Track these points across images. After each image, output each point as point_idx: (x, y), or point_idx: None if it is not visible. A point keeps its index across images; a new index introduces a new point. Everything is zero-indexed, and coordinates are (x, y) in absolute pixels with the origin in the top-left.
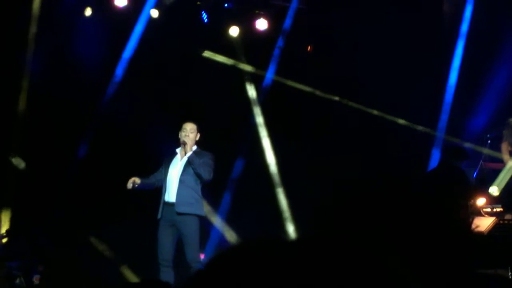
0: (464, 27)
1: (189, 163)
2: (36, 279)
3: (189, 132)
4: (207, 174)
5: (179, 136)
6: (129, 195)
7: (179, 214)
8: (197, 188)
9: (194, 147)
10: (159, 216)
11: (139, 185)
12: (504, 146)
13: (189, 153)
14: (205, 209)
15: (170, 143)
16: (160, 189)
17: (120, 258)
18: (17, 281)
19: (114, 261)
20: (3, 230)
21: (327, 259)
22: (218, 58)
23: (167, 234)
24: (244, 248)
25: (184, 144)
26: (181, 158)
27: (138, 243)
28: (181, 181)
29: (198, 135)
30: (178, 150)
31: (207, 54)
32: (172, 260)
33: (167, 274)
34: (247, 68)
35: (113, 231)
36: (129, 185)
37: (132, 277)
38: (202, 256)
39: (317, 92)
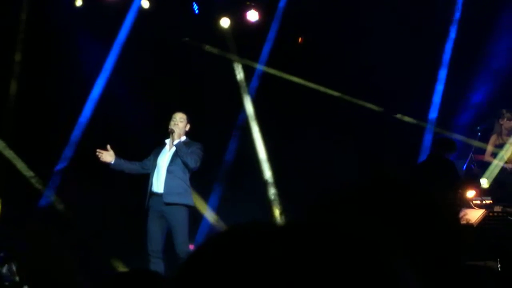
0: (456, 17)
1: (176, 152)
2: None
3: (178, 121)
4: (193, 163)
5: (169, 126)
6: (119, 186)
7: (167, 204)
8: (185, 178)
9: (184, 138)
10: (146, 206)
11: (116, 163)
12: (493, 138)
13: (176, 141)
14: (195, 200)
15: (160, 134)
16: (147, 179)
17: (109, 249)
18: (4, 270)
19: (103, 251)
20: None
21: (318, 244)
22: (209, 49)
23: (156, 225)
24: (232, 234)
25: (172, 132)
26: (170, 148)
27: (127, 233)
28: (168, 171)
29: (188, 126)
30: (167, 141)
31: (198, 45)
32: (162, 251)
33: (156, 265)
34: (238, 59)
35: (102, 221)
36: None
37: (122, 268)
38: (192, 247)
39: (308, 84)
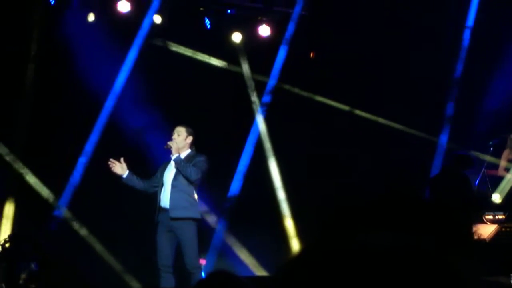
0: (467, 34)
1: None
2: (22, 278)
3: (176, 135)
4: (194, 175)
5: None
6: (131, 201)
7: (174, 219)
8: (191, 191)
9: (188, 151)
10: (155, 221)
11: (127, 178)
12: (505, 153)
13: (174, 156)
14: (209, 218)
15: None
16: (155, 194)
17: (121, 263)
18: (32, 266)
19: (114, 266)
20: (6, 235)
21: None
22: (221, 64)
23: (165, 239)
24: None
25: (169, 148)
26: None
27: (139, 248)
28: (173, 186)
29: (190, 138)
30: (172, 156)
31: (210, 60)
32: (172, 266)
33: (167, 280)
34: (250, 74)
35: (114, 236)
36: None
37: (134, 283)
38: (203, 262)
39: (319, 99)
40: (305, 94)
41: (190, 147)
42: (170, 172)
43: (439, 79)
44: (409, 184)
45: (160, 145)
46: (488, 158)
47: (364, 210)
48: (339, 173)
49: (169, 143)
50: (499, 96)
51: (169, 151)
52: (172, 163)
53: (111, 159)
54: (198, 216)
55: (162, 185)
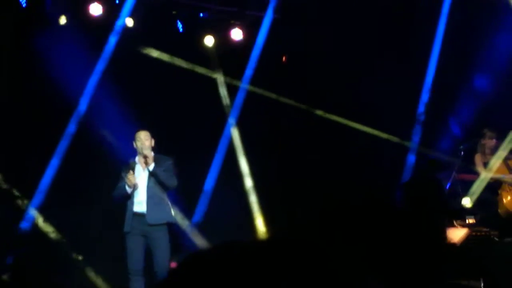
0: (439, 35)
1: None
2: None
3: (145, 140)
4: (172, 182)
5: (135, 146)
6: (103, 204)
7: (151, 225)
8: (165, 196)
9: (152, 153)
10: (128, 229)
11: (132, 191)
12: (478, 158)
13: (151, 166)
14: (181, 220)
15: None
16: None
17: (93, 267)
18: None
19: (86, 269)
20: None
21: (285, 260)
22: (193, 67)
23: (137, 243)
24: (214, 251)
25: (146, 157)
26: (143, 168)
27: (111, 251)
28: (148, 192)
29: (153, 141)
30: (137, 159)
31: (183, 63)
32: (143, 269)
33: (137, 283)
34: (222, 77)
35: (86, 238)
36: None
37: (105, 286)
38: (174, 265)
39: (292, 103)
40: (277, 97)
41: (152, 150)
42: (140, 177)
43: (411, 83)
44: (381, 189)
45: (130, 148)
46: (458, 162)
47: (335, 216)
48: (311, 176)
49: (145, 152)
50: (472, 99)
51: (135, 151)
52: (140, 168)
53: (130, 171)
54: (173, 220)
55: (132, 191)
